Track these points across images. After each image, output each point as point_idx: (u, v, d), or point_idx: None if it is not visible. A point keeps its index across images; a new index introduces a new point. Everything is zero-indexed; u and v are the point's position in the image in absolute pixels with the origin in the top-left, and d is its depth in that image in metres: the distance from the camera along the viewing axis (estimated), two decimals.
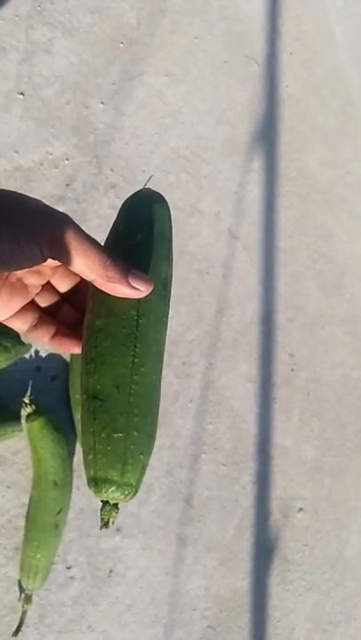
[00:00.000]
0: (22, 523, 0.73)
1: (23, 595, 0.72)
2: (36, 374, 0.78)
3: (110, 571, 0.82)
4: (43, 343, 0.35)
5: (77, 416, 0.77)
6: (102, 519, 0.28)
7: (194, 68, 0.96)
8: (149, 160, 0.89)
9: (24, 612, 0.72)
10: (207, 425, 0.95)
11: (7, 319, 0.33)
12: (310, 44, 1.19)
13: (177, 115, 0.93)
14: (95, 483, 0.28)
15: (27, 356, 0.76)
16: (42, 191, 0.76)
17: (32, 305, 0.34)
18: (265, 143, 1.07)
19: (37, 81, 0.77)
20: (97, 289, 0.30)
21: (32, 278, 0.33)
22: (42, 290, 0.34)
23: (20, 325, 0.34)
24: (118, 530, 0.83)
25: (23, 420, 0.73)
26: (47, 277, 0.34)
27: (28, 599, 0.72)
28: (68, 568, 0.78)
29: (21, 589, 0.72)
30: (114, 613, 0.82)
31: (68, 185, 0.79)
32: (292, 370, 1.11)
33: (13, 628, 0.71)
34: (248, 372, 1.02)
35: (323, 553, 1.13)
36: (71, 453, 0.78)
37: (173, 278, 0.34)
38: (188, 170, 0.94)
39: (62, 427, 0.74)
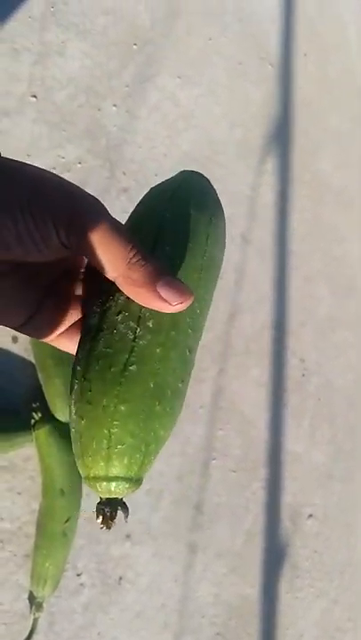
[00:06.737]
0: (33, 530, 0.72)
1: (34, 602, 0.71)
2: None
3: (120, 578, 0.81)
4: None
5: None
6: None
7: (208, 70, 0.95)
8: (162, 164, 0.88)
9: (35, 620, 0.71)
10: (218, 431, 0.94)
11: (55, 339, 0.28)
12: (324, 45, 1.18)
13: (190, 118, 0.92)
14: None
15: None
16: None
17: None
18: (279, 146, 1.06)
19: (50, 84, 0.76)
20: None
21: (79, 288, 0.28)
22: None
23: (72, 346, 0.28)
24: (128, 536, 0.82)
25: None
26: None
27: (38, 607, 0.71)
28: (78, 575, 0.77)
29: (32, 597, 0.72)
30: (124, 620, 0.81)
31: None
32: (303, 375, 1.10)
33: (23, 636, 0.71)
34: (259, 377, 1.01)
35: (332, 559, 1.12)
36: None
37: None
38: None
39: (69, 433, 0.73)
